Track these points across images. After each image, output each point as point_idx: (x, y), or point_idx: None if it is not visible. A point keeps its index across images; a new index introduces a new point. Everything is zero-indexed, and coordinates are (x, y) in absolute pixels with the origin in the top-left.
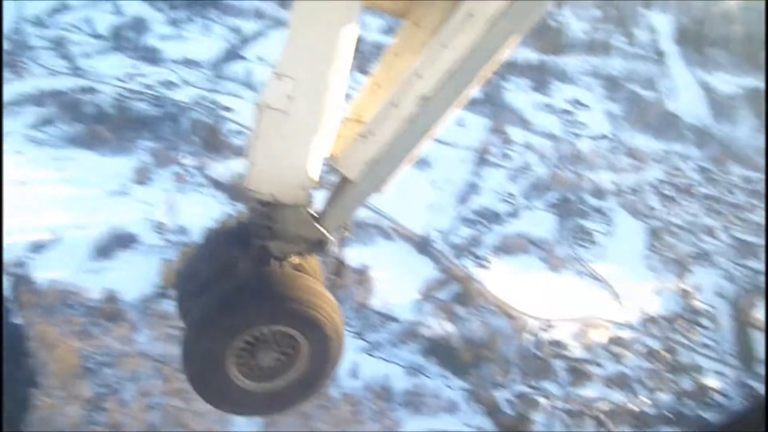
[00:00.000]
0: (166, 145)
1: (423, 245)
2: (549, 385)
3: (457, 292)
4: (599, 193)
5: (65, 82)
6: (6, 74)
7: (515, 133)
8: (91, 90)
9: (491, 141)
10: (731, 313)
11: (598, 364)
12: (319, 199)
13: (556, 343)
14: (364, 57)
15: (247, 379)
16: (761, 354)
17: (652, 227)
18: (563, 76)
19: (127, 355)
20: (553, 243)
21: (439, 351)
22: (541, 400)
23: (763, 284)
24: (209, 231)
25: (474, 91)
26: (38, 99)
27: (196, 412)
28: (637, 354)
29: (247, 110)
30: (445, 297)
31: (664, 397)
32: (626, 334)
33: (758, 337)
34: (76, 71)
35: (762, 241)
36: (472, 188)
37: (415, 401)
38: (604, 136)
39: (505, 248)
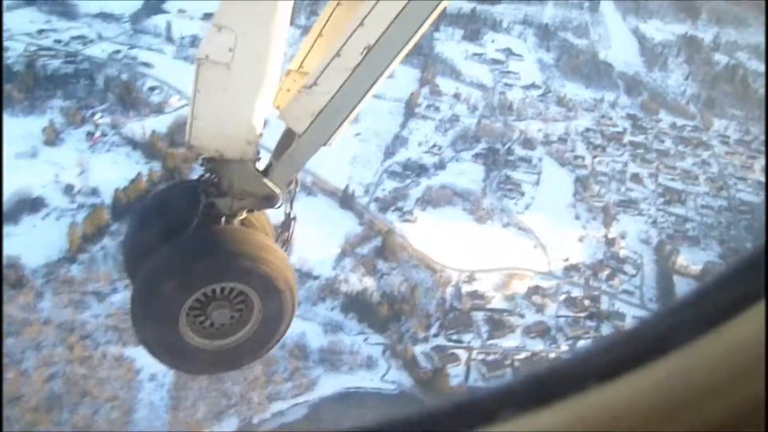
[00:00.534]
0: (78, 103)
1: (345, 200)
2: (468, 338)
3: (379, 247)
4: (528, 142)
5: None
6: None
7: (445, 84)
8: None
9: (420, 92)
10: (655, 259)
11: (519, 315)
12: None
13: (478, 295)
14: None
15: (200, 338)
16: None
17: (579, 176)
18: (496, 25)
19: (30, 323)
20: (480, 194)
21: (358, 307)
22: (460, 352)
23: (686, 229)
24: (156, 190)
25: (419, 38)
26: None
27: (100, 379)
28: (558, 303)
29: (166, 65)
30: (366, 252)
31: (583, 344)
32: (548, 284)
33: (680, 282)
34: None
35: (688, 187)
36: (399, 141)
37: (331, 359)
38: (535, 86)
39: (431, 201)
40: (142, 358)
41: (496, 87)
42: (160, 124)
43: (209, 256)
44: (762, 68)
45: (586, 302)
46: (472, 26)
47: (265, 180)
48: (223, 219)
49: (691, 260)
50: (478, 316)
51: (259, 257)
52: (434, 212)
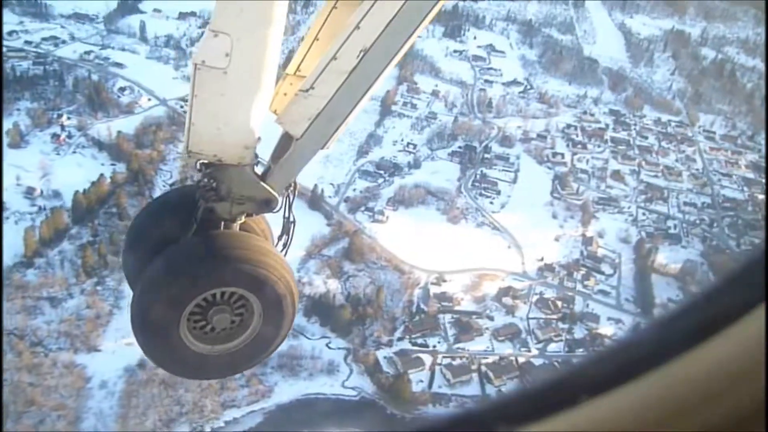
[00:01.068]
0: (46, 105)
1: (314, 200)
2: (434, 341)
3: (347, 248)
4: (506, 140)
5: None
6: None
7: (424, 81)
8: None
9: (398, 90)
10: (633, 258)
11: (489, 317)
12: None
13: (446, 297)
14: None
15: (201, 343)
16: (661, 299)
17: (557, 174)
18: (478, 22)
19: None
20: (454, 193)
21: (321, 310)
22: (425, 356)
23: (667, 227)
24: (157, 196)
25: (415, 39)
26: None
27: (49, 387)
28: (530, 304)
29: (139, 65)
30: (333, 253)
31: (554, 347)
32: (521, 285)
33: (658, 282)
34: None
35: (670, 184)
36: (374, 139)
37: (290, 364)
38: (516, 82)
39: (403, 200)
40: (93, 364)
41: (476, 84)
42: (128, 125)
43: (209, 261)
44: (750, 62)
45: (559, 303)
46: (454, 23)
47: (264, 184)
48: (222, 224)
49: (672, 259)
50: (446, 318)
51: (259, 261)
52: (406, 212)
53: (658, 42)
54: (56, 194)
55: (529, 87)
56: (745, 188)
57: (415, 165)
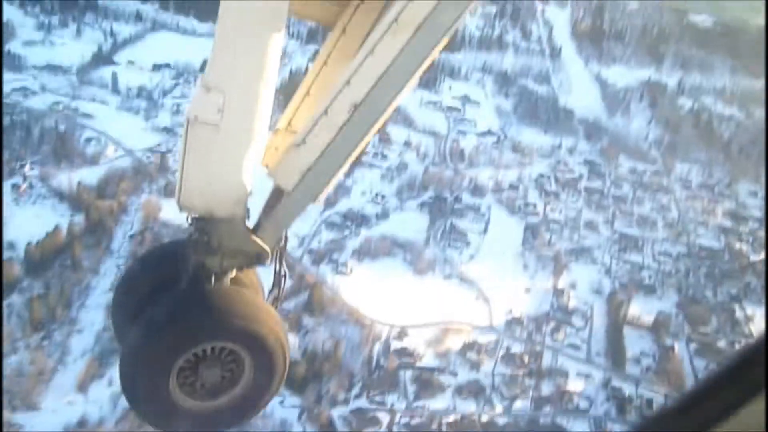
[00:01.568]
0: (10, 155)
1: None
2: (393, 399)
3: (307, 301)
4: (477, 190)
5: None
6: None
7: (396, 132)
8: None
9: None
10: (606, 310)
11: (452, 373)
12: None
13: (407, 352)
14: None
15: (190, 399)
16: (633, 352)
17: (529, 224)
18: (454, 73)
19: None
20: (422, 245)
21: None
22: (382, 415)
23: (642, 277)
24: (146, 250)
25: (406, 94)
26: None
27: None
28: (496, 359)
29: (109, 116)
30: (292, 307)
31: (520, 404)
32: (487, 338)
33: (631, 335)
34: None
35: (643, 233)
36: (342, 190)
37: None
38: (490, 132)
39: (369, 252)
40: (31, 424)
41: (449, 134)
42: (91, 175)
43: (200, 316)
44: (727, 111)
45: (527, 358)
46: (429, 74)
47: (255, 238)
48: (213, 277)
49: (646, 310)
50: (406, 375)
51: (250, 316)
52: (371, 264)
53: (634, 92)
54: (10, 245)
55: (503, 137)
56: (722, 237)
57: (383, 216)
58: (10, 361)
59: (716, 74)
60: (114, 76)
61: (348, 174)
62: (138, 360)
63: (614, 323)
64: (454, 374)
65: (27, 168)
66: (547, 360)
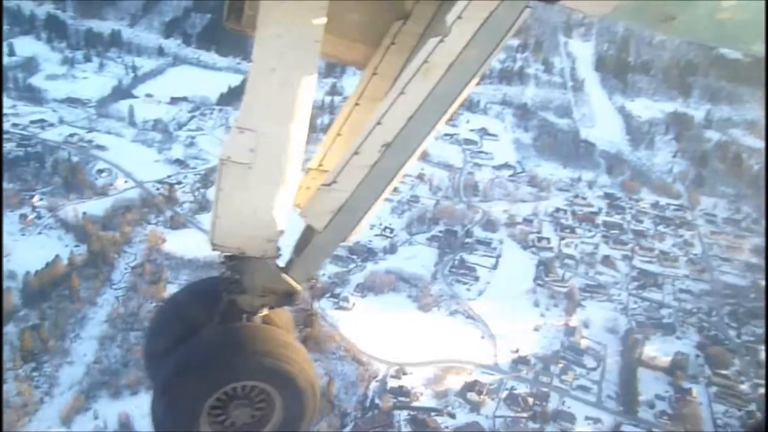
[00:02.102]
0: (22, 186)
1: None
2: None
3: (304, 336)
4: (490, 224)
5: None
6: None
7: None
8: None
9: None
10: (620, 350)
11: (450, 414)
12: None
13: (404, 392)
14: None
15: None
16: (647, 396)
17: (542, 259)
18: (473, 106)
19: None
20: (428, 280)
21: None
22: None
23: (661, 316)
24: (180, 288)
25: (437, 133)
26: None
27: None
28: (498, 400)
29: (122, 148)
30: None
31: None
32: (490, 379)
33: (646, 377)
34: None
35: (664, 270)
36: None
37: None
38: (507, 166)
39: (373, 287)
40: None
41: (464, 167)
42: (98, 207)
43: (231, 355)
44: (757, 144)
45: (531, 400)
46: None
47: (286, 277)
48: (244, 316)
49: (664, 351)
50: (401, 415)
51: (281, 355)
52: (375, 299)
53: (659, 125)
54: (11, 274)
55: (520, 170)
56: (747, 274)
57: (391, 250)
58: None
59: (745, 106)
60: (131, 109)
61: None
62: (170, 398)
63: (628, 364)
64: (453, 416)
65: (36, 198)
66: (553, 402)
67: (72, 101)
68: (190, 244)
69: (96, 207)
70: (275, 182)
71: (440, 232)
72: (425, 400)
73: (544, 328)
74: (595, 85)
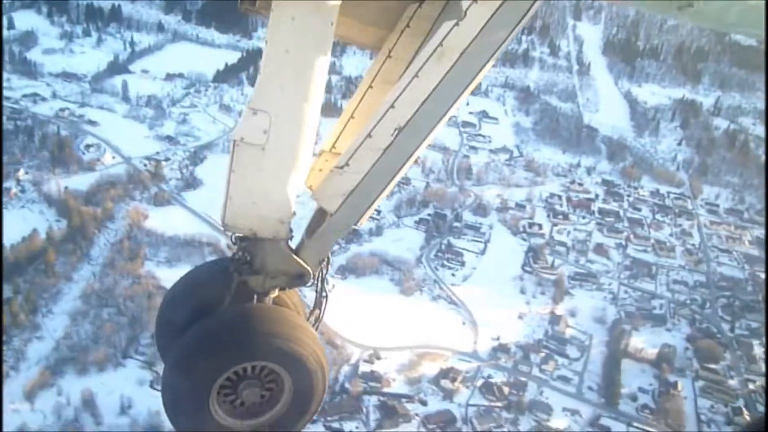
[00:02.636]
0: (9, 159)
1: None
2: (351, 426)
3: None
4: (481, 209)
5: None
6: None
7: None
8: None
9: None
10: (606, 340)
11: (421, 401)
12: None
13: (375, 377)
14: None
15: (231, 417)
16: (630, 388)
17: (532, 246)
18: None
19: None
20: (413, 263)
21: None
22: None
23: (652, 306)
24: (191, 269)
25: (450, 118)
26: None
27: None
28: (473, 389)
29: (114, 123)
30: None
31: None
32: (466, 366)
33: (631, 368)
34: None
35: (658, 259)
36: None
37: None
38: (504, 149)
39: (356, 269)
40: None
41: (460, 150)
42: (83, 181)
43: (242, 335)
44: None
45: (507, 389)
46: None
47: (297, 258)
48: (255, 297)
49: (652, 342)
50: (371, 401)
51: (291, 336)
52: (356, 281)
53: (666, 111)
54: None
55: (517, 155)
56: (746, 266)
57: (377, 232)
58: None
59: (757, 94)
60: (124, 84)
61: None
62: (180, 378)
63: (613, 355)
64: (424, 403)
65: (21, 172)
66: (531, 392)
67: (67, 76)
68: (172, 222)
69: (81, 182)
70: (288, 164)
71: (429, 215)
72: (397, 386)
73: (528, 316)
74: (601, 69)
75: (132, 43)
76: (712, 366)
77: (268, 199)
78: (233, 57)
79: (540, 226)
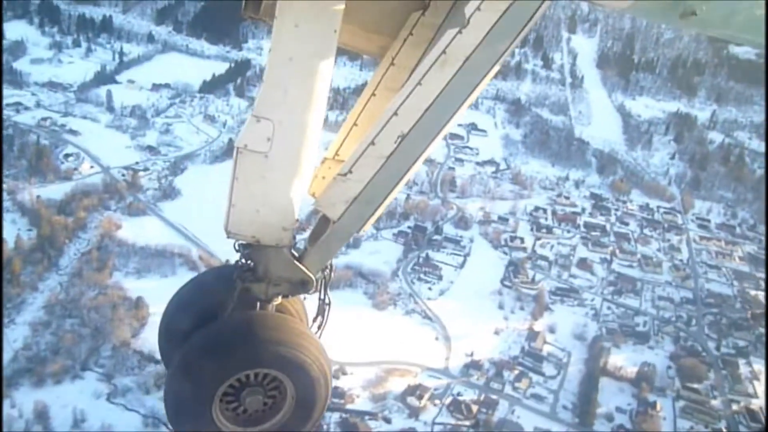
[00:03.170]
0: None
1: None
2: None
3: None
4: (462, 222)
5: None
6: None
7: None
8: None
9: None
10: (586, 358)
11: (385, 419)
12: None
13: (338, 393)
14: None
15: (233, 424)
16: (607, 408)
17: (513, 260)
18: None
19: None
20: (388, 277)
21: None
22: None
23: (635, 323)
24: (194, 276)
25: (453, 125)
26: None
27: None
28: (441, 406)
29: (96, 133)
30: None
31: None
32: (436, 383)
33: (609, 387)
34: None
35: (644, 275)
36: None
37: None
38: (491, 162)
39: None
40: None
41: (446, 162)
42: (59, 190)
43: (244, 343)
44: (762, 148)
45: (475, 408)
46: None
47: (300, 266)
48: (258, 304)
49: (632, 360)
50: (332, 418)
51: (294, 344)
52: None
53: (660, 125)
54: None
55: (504, 167)
56: (735, 282)
57: (354, 245)
58: None
59: (754, 108)
60: (109, 94)
61: None
62: (182, 384)
63: (591, 373)
64: (388, 420)
65: None
66: (501, 411)
67: (53, 85)
68: (145, 232)
69: (56, 191)
70: (291, 171)
71: (409, 227)
72: (361, 403)
73: (505, 331)
74: (595, 82)
75: (121, 54)
76: (695, 386)
77: (271, 207)
78: (222, 68)
79: (522, 239)
